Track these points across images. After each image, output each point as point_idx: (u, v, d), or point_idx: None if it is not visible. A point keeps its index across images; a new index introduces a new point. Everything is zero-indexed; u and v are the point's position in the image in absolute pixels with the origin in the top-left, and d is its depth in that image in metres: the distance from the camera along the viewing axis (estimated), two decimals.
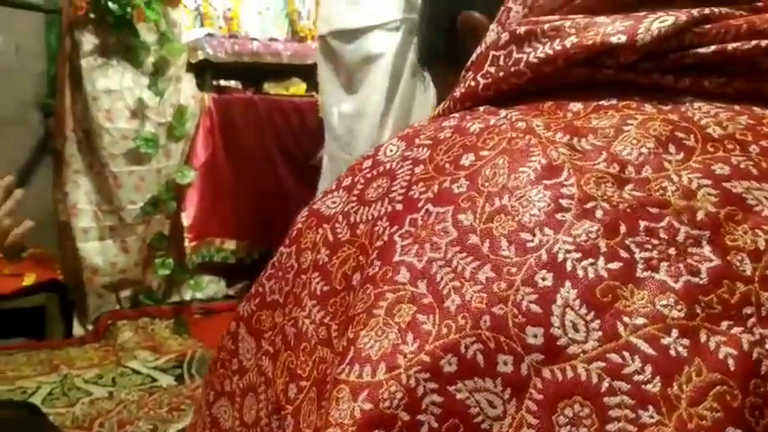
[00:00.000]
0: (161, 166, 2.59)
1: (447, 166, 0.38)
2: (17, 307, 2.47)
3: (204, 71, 2.75)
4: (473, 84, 0.44)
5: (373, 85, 2.13)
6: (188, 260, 2.59)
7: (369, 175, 0.41)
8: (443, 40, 0.59)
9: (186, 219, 2.60)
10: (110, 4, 2.40)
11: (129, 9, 2.41)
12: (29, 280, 2.53)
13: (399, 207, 0.38)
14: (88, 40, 2.48)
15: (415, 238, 0.36)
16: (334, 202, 0.42)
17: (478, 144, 0.39)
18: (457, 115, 0.42)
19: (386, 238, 0.37)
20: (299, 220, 0.44)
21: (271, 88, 3.23)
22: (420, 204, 0.37)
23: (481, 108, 0.42)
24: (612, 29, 0.39)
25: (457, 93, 0.45)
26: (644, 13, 0.40)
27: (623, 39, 0.38)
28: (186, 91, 2.67)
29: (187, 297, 2.64)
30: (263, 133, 2.78)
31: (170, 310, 2.60)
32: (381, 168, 0.41)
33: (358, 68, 2.15)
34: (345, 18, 2.13)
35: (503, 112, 0.41)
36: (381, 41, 2.09)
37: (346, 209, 0.41)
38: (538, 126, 0.39)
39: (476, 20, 0.54)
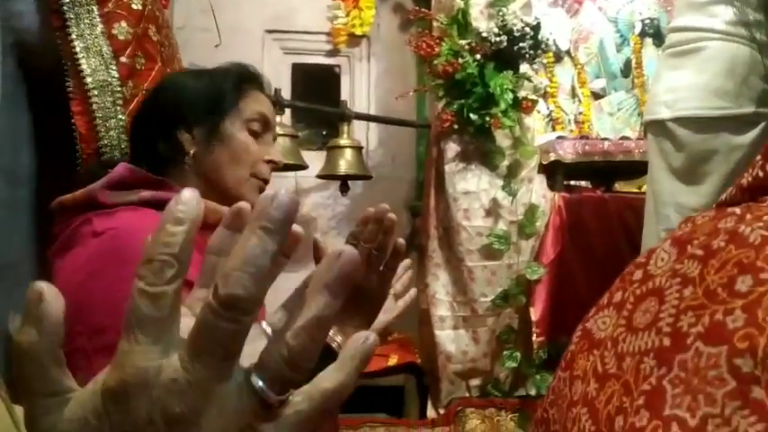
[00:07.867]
0: (512, 262, 2.72)
1: (719, 290, 0.33)
2: (381, 384, 2.76)
3: (555, 172, 2.85)
4: (761, 174, 0.38)
5: (724, 179, 1.89)
6: (535, 355, 2.63)
7: (638, 293, 0.38)
8: None
9: (534, 314, 2.66)
10: (471, 115, 2.66)
11: (487, 119, 2.65)
12: (392, 361, 2.83)
13: (667, 342, 0.34)
14: (451, 148, 2.77)
15: (686, 386, 0.31)
16: (604, 323, 0.40)
17: (758, 263, 0.32)
18: (738, 211, 0.37)
19: (653, 381, 0.33)
20: (574, 341, 0.42)
21: (622, 186, 3.21)
22: (689, 341, 0.32)
23: None
24: None
25: (743, 181, 0.40)
26: None
27: None
28: (537, 191, 2.79)
29: (532, 392, 2.65)
30: (613, 231, 2.74)
31: (516, 403, 2.64)
32: (650, 285, 0.37)
33: (705, 160, 1.95)
34: (700, 105, 1.94)
35: None
36: (737, 134, 1.90)
37: (615, 334, 0.38)
38: None
39: None
